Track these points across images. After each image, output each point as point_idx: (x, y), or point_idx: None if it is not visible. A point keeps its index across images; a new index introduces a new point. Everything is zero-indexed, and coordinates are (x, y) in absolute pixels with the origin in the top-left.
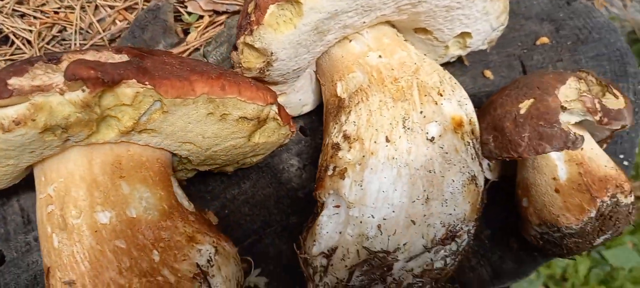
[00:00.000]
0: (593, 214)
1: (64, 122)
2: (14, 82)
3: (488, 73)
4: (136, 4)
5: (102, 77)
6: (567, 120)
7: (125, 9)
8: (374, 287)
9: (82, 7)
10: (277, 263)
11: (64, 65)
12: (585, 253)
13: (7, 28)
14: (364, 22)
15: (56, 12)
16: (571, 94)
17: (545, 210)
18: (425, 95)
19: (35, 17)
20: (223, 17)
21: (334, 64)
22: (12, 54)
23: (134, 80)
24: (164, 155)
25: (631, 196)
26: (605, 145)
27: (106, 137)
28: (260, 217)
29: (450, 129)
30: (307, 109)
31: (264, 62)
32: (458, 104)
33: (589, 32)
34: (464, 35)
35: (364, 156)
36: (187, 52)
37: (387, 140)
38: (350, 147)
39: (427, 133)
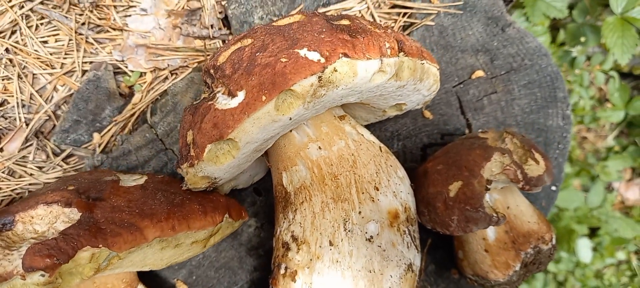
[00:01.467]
0: (518, 268)
1: None
2: None
3: (427, 113)
4: (75, 67)
5: (58, 260)
6: (492, 186)
7: (65, 74)
8: None
9: (20, 76)
10: None
11: (18, 228)
12: None
13: None
14: (301, 123)
15: None
16: (496, 168)
17: (477, 266)
18: (363, 193)
19: None
20: (166, 72)
21: (277, 152)
22: None
23: (88, 246)
24: (128, 274)
25: (552, 242)
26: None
27: (71, 284)
28: (226, 278)
29: (387, 224)
30: (259, 176)
31: (209, 182)
32: (393, 195)
33: (522, 59)
34: (399, 103)
35: (311, 259)
36: (135, 116)
37: (331, 244)
38: (298, 249)
39: (366, 232)
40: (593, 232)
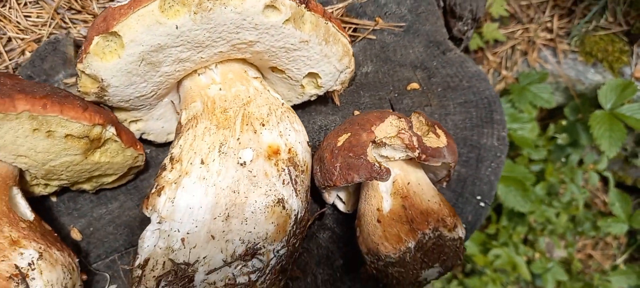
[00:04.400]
0: (411, 245)
1: None
2: None
3: (357, 112)
4: (44, 37)
5: None
6: (389, 154)
7: (34, 40)
8: None
9: None
10: None
11: None
12: None
13: None
14: (202, 58)
15: None
16: (391, 131)
17: (369, 239)
18: (247, 124)
19: None
20: None
21: (184, 95)
22: None
23: None
24: (4, 168)
25: (456, 232)
26: (445, 184)
27: None
28: (123, 236)
29: (264, 155)
30: (173, 137)
31: (98, 87)
32: (278, 135)
33: (460, 80)
34: (314, 75)
35: (180, 176)
36: None
37: (202, 162)
38: (172, 168)
39: (240, 158)
40: None
